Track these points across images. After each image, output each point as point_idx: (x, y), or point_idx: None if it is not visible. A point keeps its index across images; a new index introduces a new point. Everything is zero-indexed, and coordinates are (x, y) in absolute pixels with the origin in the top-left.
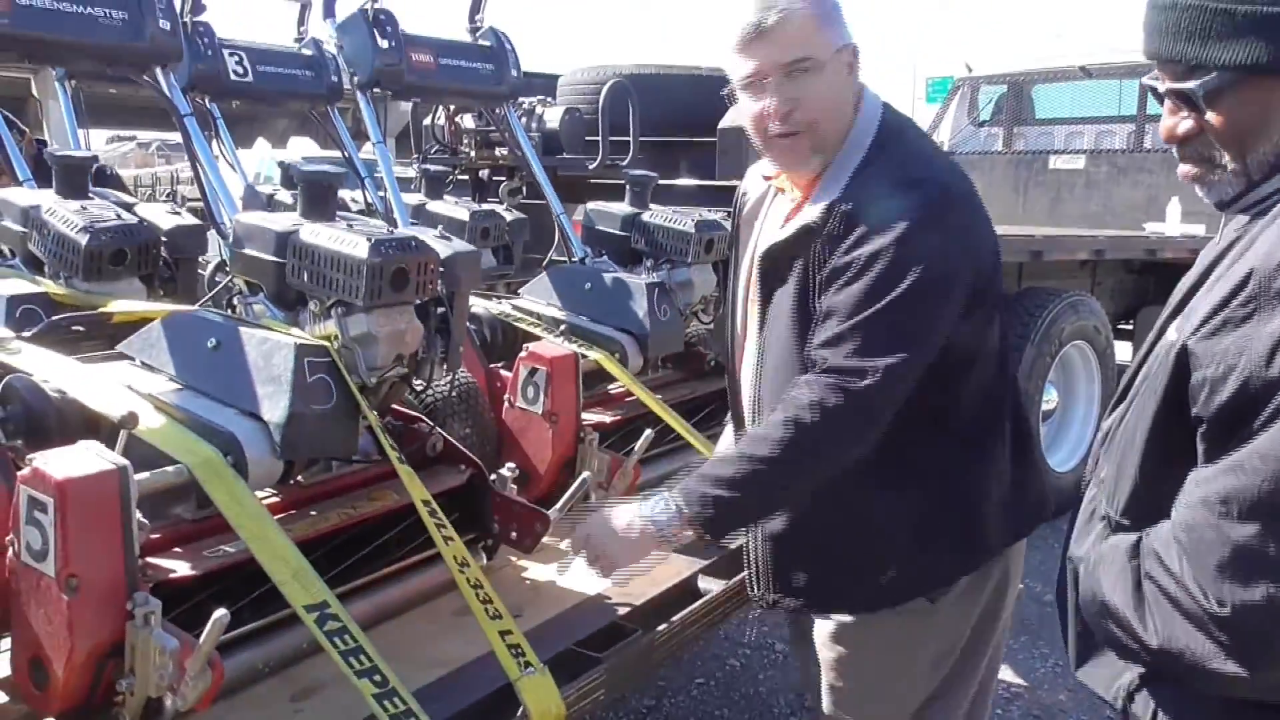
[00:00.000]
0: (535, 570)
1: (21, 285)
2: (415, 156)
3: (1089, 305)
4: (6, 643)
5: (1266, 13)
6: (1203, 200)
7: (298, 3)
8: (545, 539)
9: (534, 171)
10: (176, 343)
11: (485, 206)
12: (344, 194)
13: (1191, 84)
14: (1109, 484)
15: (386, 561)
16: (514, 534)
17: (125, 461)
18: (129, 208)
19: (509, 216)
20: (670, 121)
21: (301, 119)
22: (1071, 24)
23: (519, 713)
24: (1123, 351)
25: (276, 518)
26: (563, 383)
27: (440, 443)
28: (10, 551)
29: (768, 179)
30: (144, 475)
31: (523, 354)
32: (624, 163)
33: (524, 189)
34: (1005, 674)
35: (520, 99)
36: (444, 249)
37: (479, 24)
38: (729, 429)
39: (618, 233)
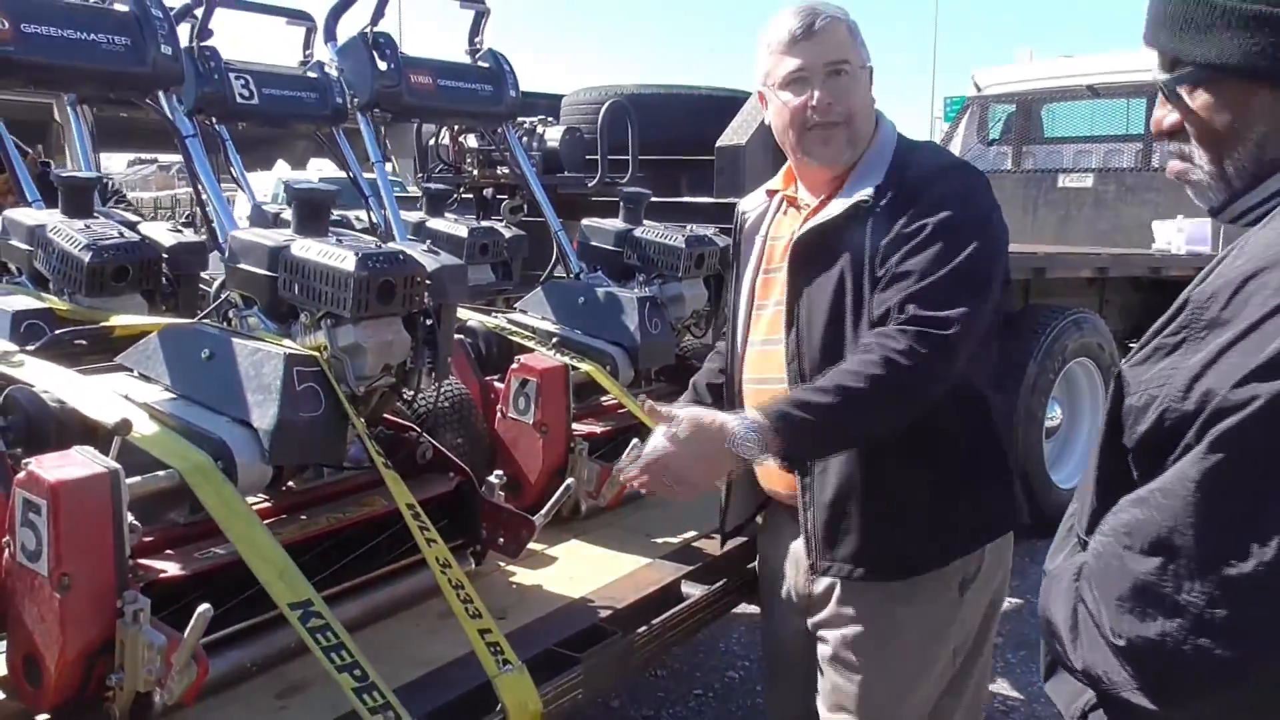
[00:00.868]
0: (522, 575)
1: (27, 301)
2: (419, 175)
3: (1093, 322)
4: (4, 644)
5: (1245, 11)
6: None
7: (303, 26)
8: (531, 544)
9: (533, 189)
10: (172, 354)
11: (484, 224)
12: (349, 213)
13: (1170, 76)
14: (1080, 502)
15: (375, 565)
16: (501, 539)
17: (116, 465)
18: (132, 226)
19: (508, 233)
20: (671, 140)
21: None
22: (1081, 44)
23: (497, 709)
24: None
25: (267, 522)
26: (553, 394)
27: (430, 451)
28: (6, 553)
29: (773, 193)
30: (136, 479)
31: (514, 366)
32: (623, 181)
33: (525, 207)
34: (1003, 688)
35: (521, 119)
36: (431, 263)
37: (478, 46)
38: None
39: (611, 248)
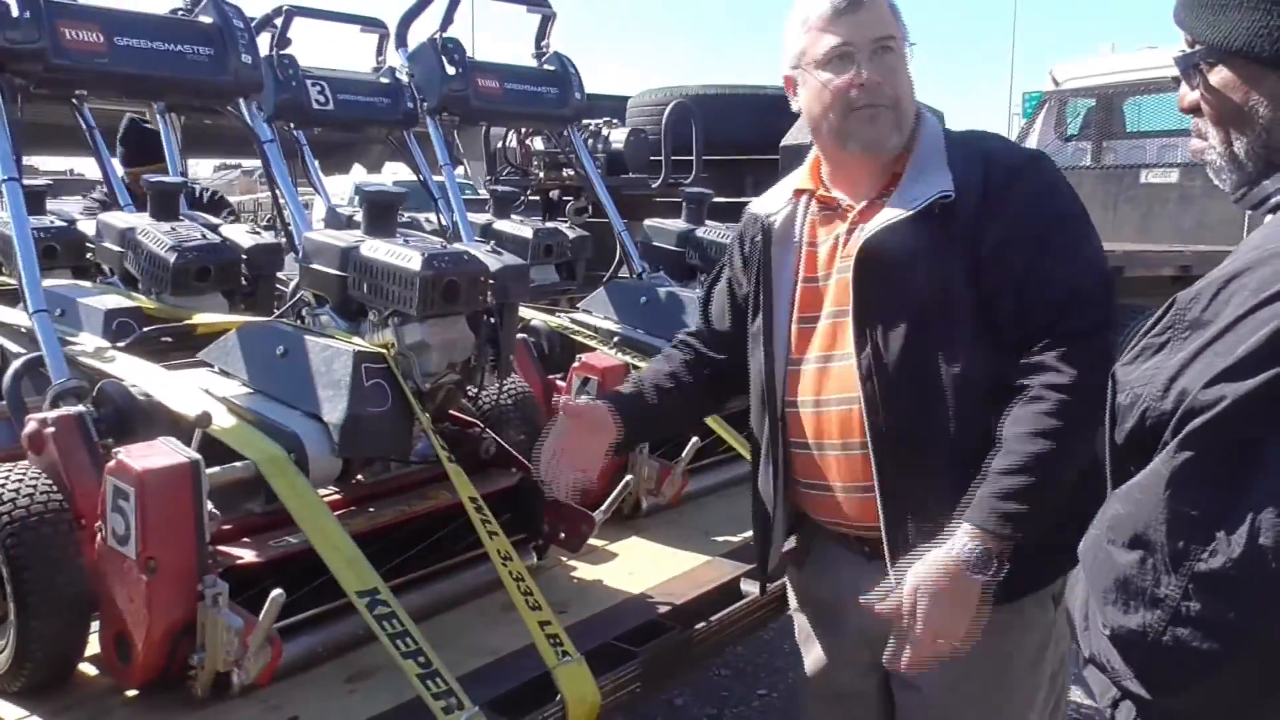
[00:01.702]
0: (583, 570)
1: (118, 300)
2: (487, 178)
3: None
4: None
5: None
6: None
7: (375, 34)
8: (592, 540)
9: (597, 191)
10: (249, 350)
11: (549, 225)
12: (419, 215)
13: (1184, 54)
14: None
15: (440, 557)
16: (562, 534)
17: (197, 456)
18: (214, 229)
19: (572, 234)
20: (736, 140)
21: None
22: (1169, 35)
23: (556, 699)
24: None
25: (337, 513)
26: None
27: (493, 446)
28: (99, 537)
29: (801, 193)
30: (215, 469)
31: (576, 364)
32: (687, 181)
33: (589, 208)
34: (1076, 695)
35: (586, 121)
36: (494, 263)
37: (544, 50)
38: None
39: (673, 249)
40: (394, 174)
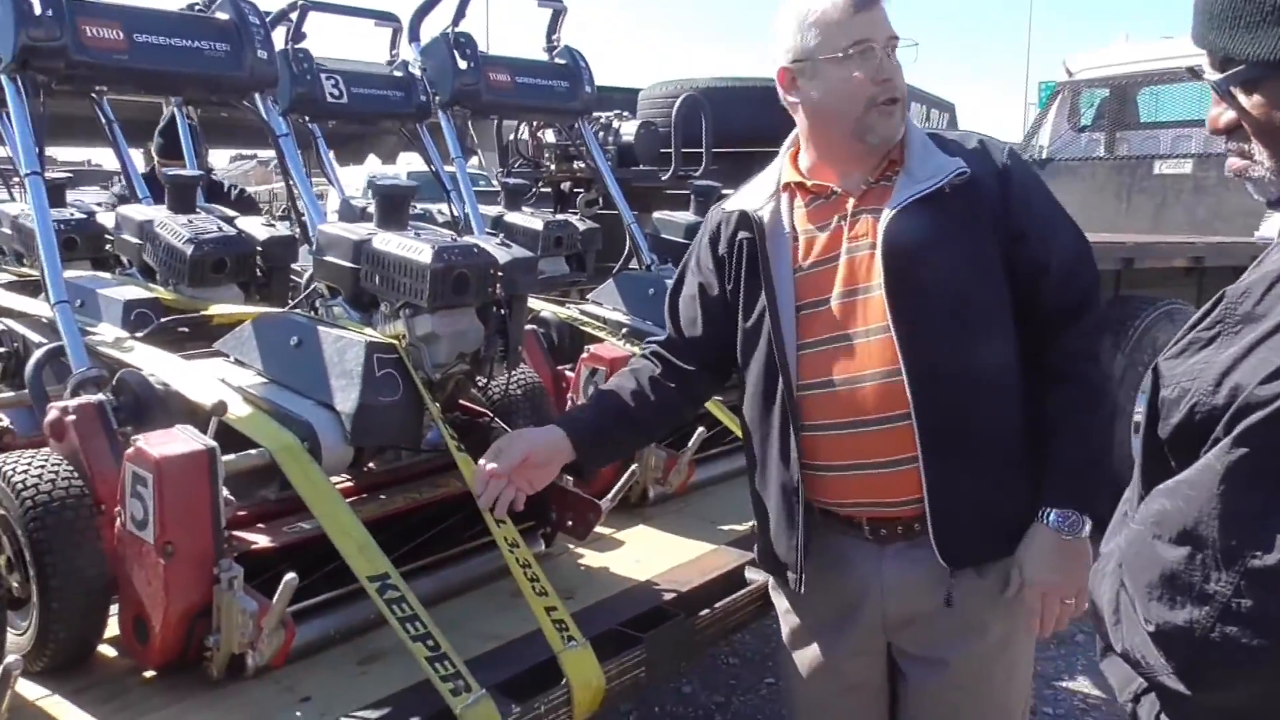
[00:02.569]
0: (590, 557)
1: (136, 291)
2: (499, 170)
3: (1186, 314)
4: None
5: None
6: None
7: (389, 27)
8: (599, 528)
9: (607, 183)
10: (264, 341)
11: (560, 217)
12: (431, 207)
13: (1223, 76)
14: (1134, 489)
15: (449, 544)
16: (570, 522)
17: (214, 443)
18: (230, 221)
19: (582, 226)
20: (746, 132)
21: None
22: (1181, 25)
23: (562, 682)
24: None
25: (349, 500)
26: None
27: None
28: (118, 522)
29: (788, 186)
30: (231, 457)
31: (584, 355)
32: (696, 174)
33: (600, 200)
34: (1084, 686)
35: (597, 114)
36: (503, 255)
37: (555, 43)
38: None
39: (682, 241)
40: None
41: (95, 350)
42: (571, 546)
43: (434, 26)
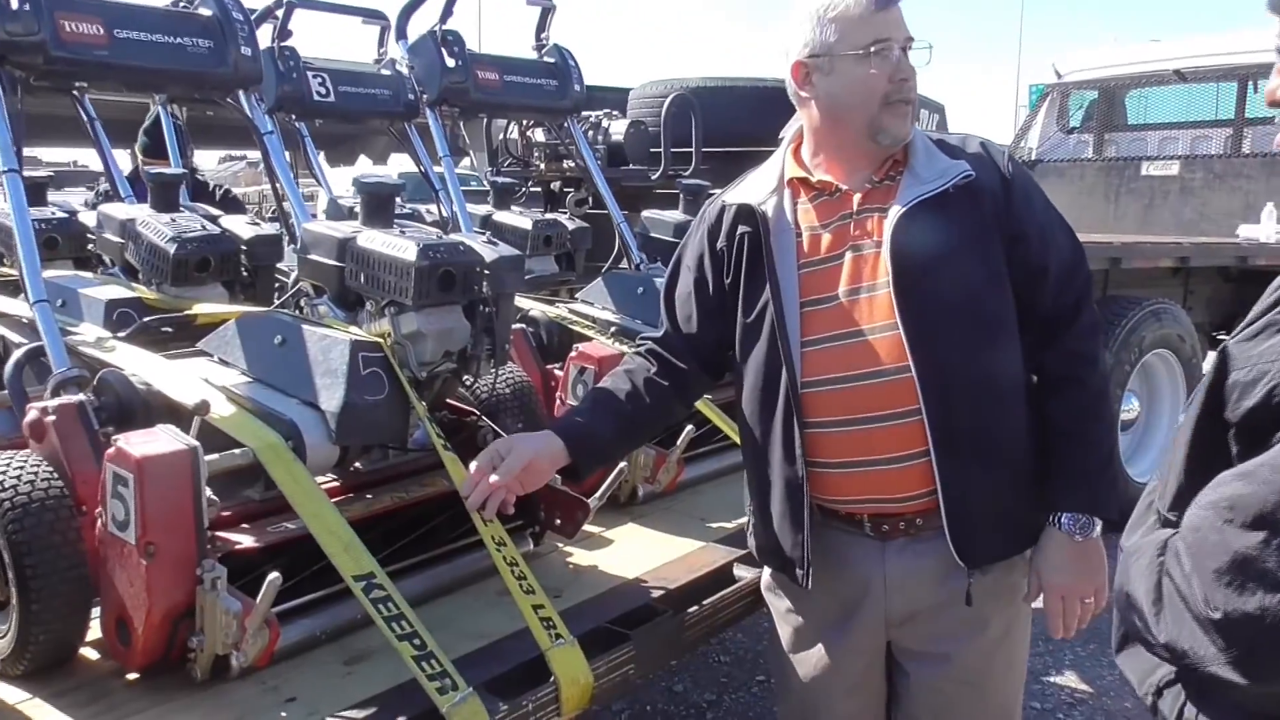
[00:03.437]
0: (578, 555)
1: (119, 290)
2: (488, 169)
3: (1173, 313)
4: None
5: None
6: None
7: (377, 25)
8: (588, 526)
9: (596, 182)
10: (248, 340)
11: (549, 216)
12: (420, 206)
13: None
14: (1162, 479)
15: (436, 543)
16: (558, 521)
17: (196, 443)
18: (214, 220)
19: (572, 225)
20: (735, 132)
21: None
22: (1169, 28)
23: (550, 680)
24: None
25: (334, 500)
26: None
27: (490, 435)
28: (99, 523)
29: (792, 181)
30: (214, 456)
31: (573, 354)
32: (686, 173)
33: (589, 199)
34: (1071, 680)
35: (586, 113)
36: (489, 253)
37: (544, 42)
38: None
39: (671, 240)
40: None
41: (76, 350)
42: (560, 545)
43: (422, 24)
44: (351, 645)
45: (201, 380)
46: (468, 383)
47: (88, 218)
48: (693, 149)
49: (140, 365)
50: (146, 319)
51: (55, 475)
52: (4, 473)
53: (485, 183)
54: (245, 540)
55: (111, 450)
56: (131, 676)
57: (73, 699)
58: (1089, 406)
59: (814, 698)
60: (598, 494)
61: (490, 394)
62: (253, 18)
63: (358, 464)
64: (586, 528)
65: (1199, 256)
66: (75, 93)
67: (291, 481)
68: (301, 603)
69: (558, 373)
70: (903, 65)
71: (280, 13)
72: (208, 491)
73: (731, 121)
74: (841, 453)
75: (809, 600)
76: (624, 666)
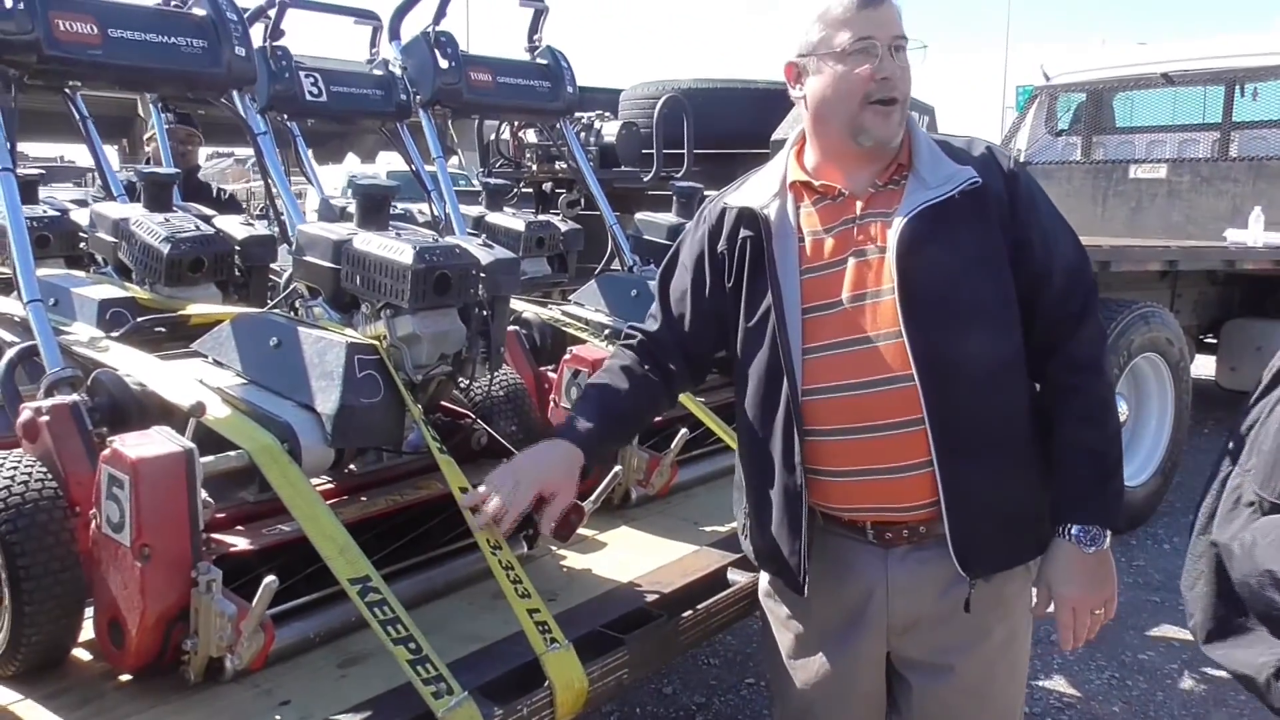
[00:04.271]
0: (572, 559)
1: (112, 290)
2: (480, 170)
3: (1161, 317)
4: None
5: None
6: None
7: (369, 25)
8: (582, 530)
9: (589, 184)
10: (243, 342)
11: (541, 218)
12: (412, 206)
13: None
14: (1260, 470)
15: (431, 546)
16: (552, 524)
17: (192, 445)
18: (207, 220)
19: (564, 227)
20: (727, 134)
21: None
22: (1156, 32)
23: (544, 685)
24: (1205, 365)
25: (330, 502)
26: None
27: (485, 438)
28: (93, 524)
29: (794, 185)
30: (209, 459)
31: (567, 356)
32: (678, 175)
33: (582, 201)
34: (1059, 684)
35: (579, 114)
36: (485, 256)
37: (537, 43)
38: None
39: (664, 242)
40: (387, 164)
41: (69, 350)
42: (554, 548)
43: (414, 25)
44: (345, 648)
45: (196, 382)
46: (462, 385)
47: (80, 216)
48: (685, 150)
49: (134, 366)
50: (140, 319)
51: (49, 476)
52: None
53: (475, 183)
54: (240, 543)
55: (107, 452)
56: (124, 679)
57: (64, 701)
58: (1095, 416)
59: (813, 705)
60: (592, 497)
61: (484, 396)
62: (245, 16)
63: (352, 466)
64: (580, 531)
65: (1187, 260)
66: (67, 91)
67: (287, 484)
68: (295, 605)
69: (551, 375)
70: (885, 64)
71: (273, 12)
72: (203, 494)
73: (724, 123)
74: (843, 461)
75: (809, 607)
76: (619, 671)
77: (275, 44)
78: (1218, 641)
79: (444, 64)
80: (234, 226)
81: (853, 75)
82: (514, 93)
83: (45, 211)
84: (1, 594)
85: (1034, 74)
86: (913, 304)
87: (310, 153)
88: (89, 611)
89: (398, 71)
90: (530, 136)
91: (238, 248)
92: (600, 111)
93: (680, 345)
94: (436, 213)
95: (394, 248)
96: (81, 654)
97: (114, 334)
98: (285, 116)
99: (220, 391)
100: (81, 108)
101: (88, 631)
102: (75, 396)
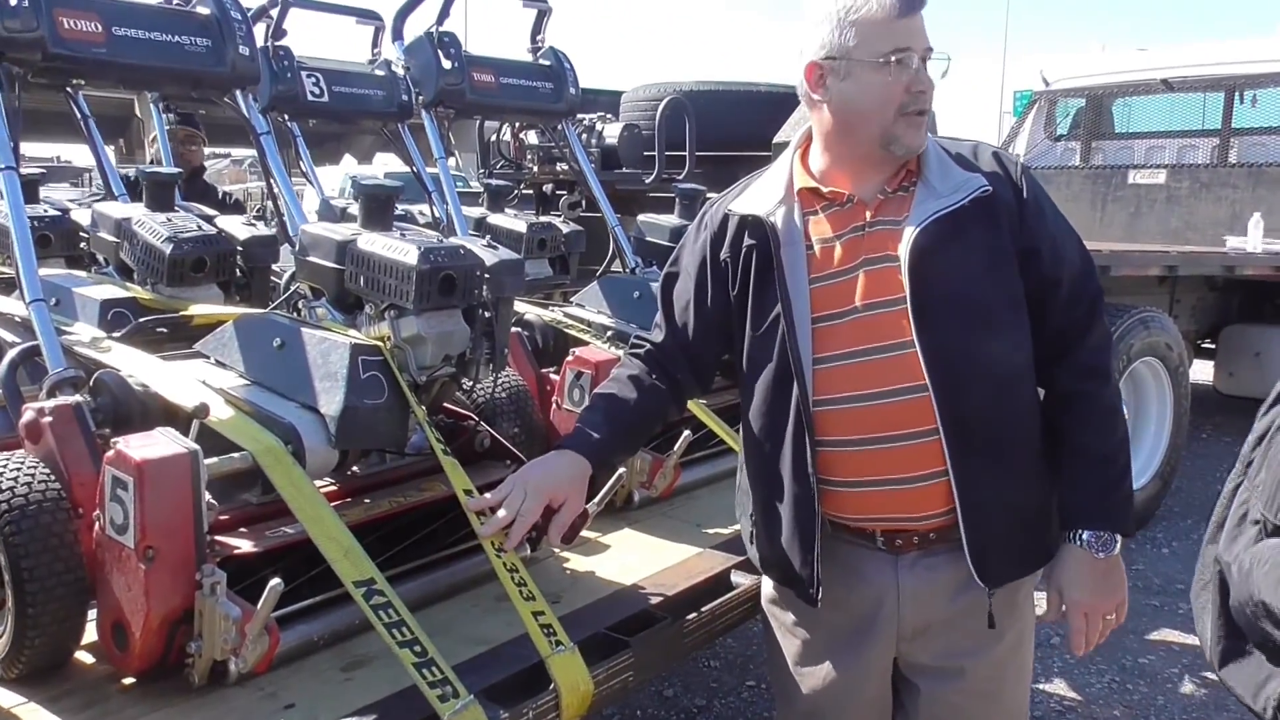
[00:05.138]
0: (576, 561)
1: (113, 290)
2: (481, 171)
3: (1160, 322)
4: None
5: None
6: None
7: (371, 26)
8: (586, 532)
9: (590, 185)
10: (246, 342)
11: (543, 219)
12: (413, 207)
13: None
14: (1266, 489)
15: (435, 548)
16: (561, 533)
17: (196, 446)
18: (210, 220)
19: (566, 229)
20: (729, 136)
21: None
22: (1156, 38)
23: (550, 687)
24: (1203, 371)
25: (333, 504)
26: None
27: (488, 439)
28: (97, 526)
29: (803, 191)
30: (213, 460)
31: (569, 358)
32: (680, 177)
33: (583, 202)
34: (1060, 688)
35: (581, 115)
36: (489, 257)
37: (540, 44)
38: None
39: (666, 244)
40: (384, 165)
41: (72, 350)
42: (558, 551)
43: (417, 25)
44: (350, 651)
45: (199, 382)
46: (466, 387)
47: (81, 215)
48: (687, 152)
49: (137, 366)
50: (142, 319)
51: (52, 477)
52: (0, 474)
53: (474, 184)
54: (244, 545)
55: (111, 453)
56: (128, 681)
57: (68, 703)
58: (1105, 421)
59: (820, 710)
60: (596, 500)
61: (488, 398)
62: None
63: (356, 468)
64: (584, 533)
65: (1186, 266)
66: (69, 89)
67: (290, 486)
68: (300, 608)
69: (553, 376)
70: (921, 76)
71: (275, 12)
72: (207, 495)
73: (725, 125)
74: (855, 472)
75: (817, 615)
76: (624, 673)
77: (277, 44)
78: (1227, 665)
79: (447, 64)
80: (236, 227)
81: (890, 85)
82: (517, 94)
83: (46, 211)
84: (4, 596)
85: (1032, 79)
86: (925, 313)
87: (309, 153)
88: (92, 614)
89: (400, 72)
90: (531, 138)
91: (240, 248)
92: (602, 113)
93: (686, 354)
94: (438, 214)
95: (399, 248)
96: (85, 656)
97: (116, 334)
98: (286, 116)
99: (223, 392)
100: (84, 106)
101: (91, 634)
102: (78, 397)
